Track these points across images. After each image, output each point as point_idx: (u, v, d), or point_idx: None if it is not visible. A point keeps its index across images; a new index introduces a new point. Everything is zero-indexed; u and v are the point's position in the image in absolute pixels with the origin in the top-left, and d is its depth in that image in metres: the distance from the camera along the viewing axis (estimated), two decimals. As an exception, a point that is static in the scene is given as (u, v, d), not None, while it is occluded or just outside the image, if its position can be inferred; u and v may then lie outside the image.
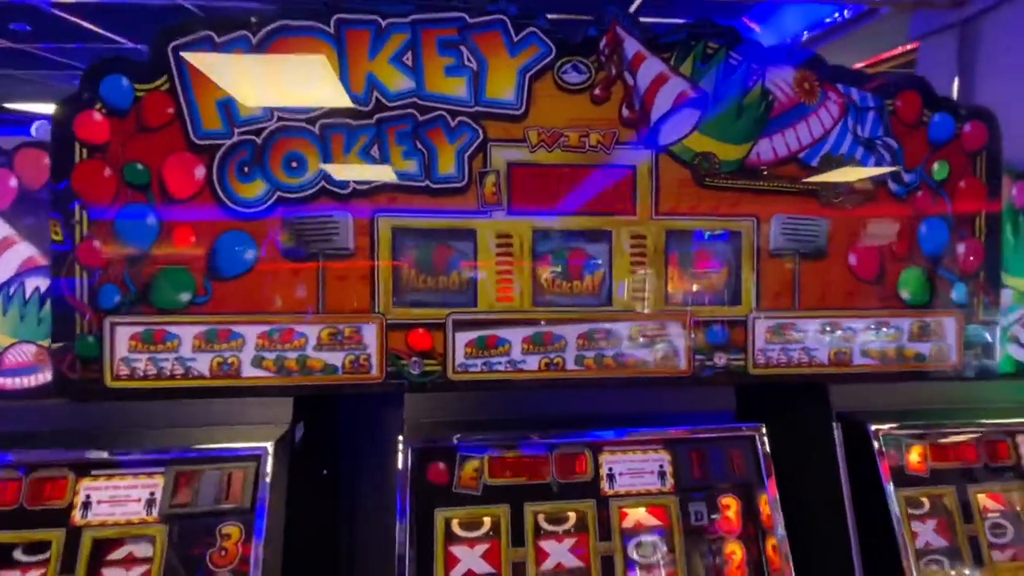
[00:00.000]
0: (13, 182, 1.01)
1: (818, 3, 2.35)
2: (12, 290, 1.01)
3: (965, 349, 1.19)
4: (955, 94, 1.70)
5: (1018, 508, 1.07)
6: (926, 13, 1.80)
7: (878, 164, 1.15)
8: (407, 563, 0.89)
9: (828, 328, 1.14)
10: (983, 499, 1.07)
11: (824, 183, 1.13)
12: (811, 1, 2.34)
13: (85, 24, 3.76)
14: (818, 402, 1.12)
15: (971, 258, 1.18)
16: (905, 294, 1.16)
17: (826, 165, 1.13)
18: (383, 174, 1.02)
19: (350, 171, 1.02)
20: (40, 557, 0.87)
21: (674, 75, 1.08)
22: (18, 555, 0.88)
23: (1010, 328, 1.24)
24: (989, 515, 1.06)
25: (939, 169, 1.17)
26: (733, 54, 1.10)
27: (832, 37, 2.49)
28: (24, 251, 1.01)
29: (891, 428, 1.05)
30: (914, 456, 1.07)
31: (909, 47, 2.29)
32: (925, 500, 1.06)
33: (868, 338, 1.15)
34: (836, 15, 2.31)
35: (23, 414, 0.98)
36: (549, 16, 1.04)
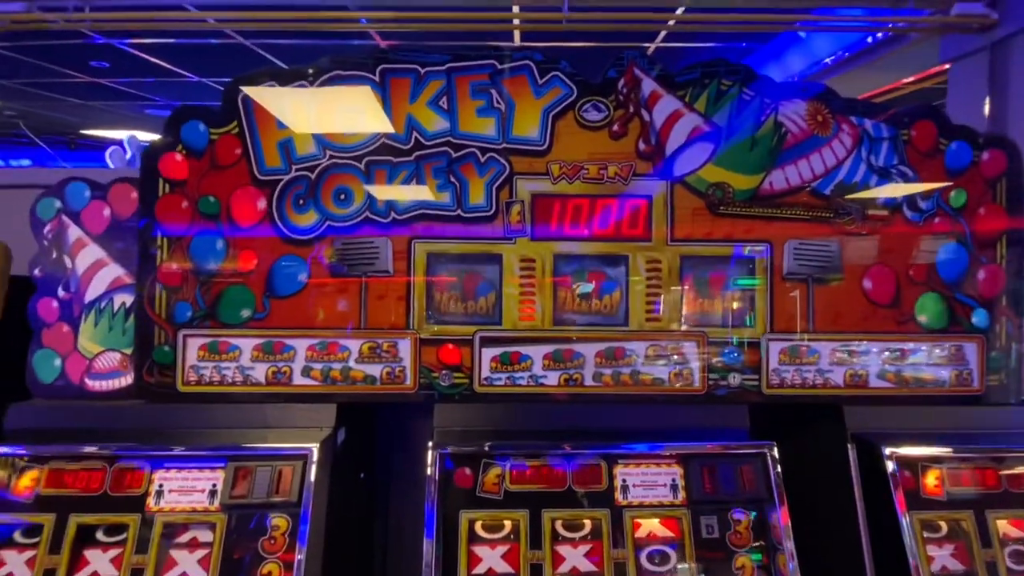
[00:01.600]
0: (107, 212, 1.18)
1: (846, 31, 2.36)
2: (103, 305, 1.17)
3: (988, 374, 1.19)
4: (986, 116, 1.69)
5: (1042, 537, 1.06)
6: (957, 36, 1.80)
7: (893, 192, 1.18)
8: (433, 560, 0.98)
9: (843, 350, 1.17)
10: (1003, 525, 1.07)
11: (838, 210, 1.17)
12: (838, 30, 2.35)
13: (155, 60, 4.15)
14: (833, 423, 1.15)
15: (992, 283, 1.19)
16: (923, 319, 1.18)
17: (840, 193, 1.18)
18: (420, 204, 1.14)
19: (394, 198, 1.13)
20: (118, 538, 1.01)
21: (689, 111, 1.16)
22: (100, 535, 1.01)
23: (1037, 354, 1.23)
24: (1010, 541, 1.06)
25: (956, 196, 1.19)
26: (746, 90, 1.17)
27: (863, 60, 2.49)
28: (114, 271, 1.17)
29: (906, 450, 1.07)
30: (931, 479, 1.08)
31: (940, 69, 2.27)
32: (943, 524, 1.07)
33: (884, 361, 1.17)
34: (868, 39, 2.32)
35: (108, 412, 1.12)
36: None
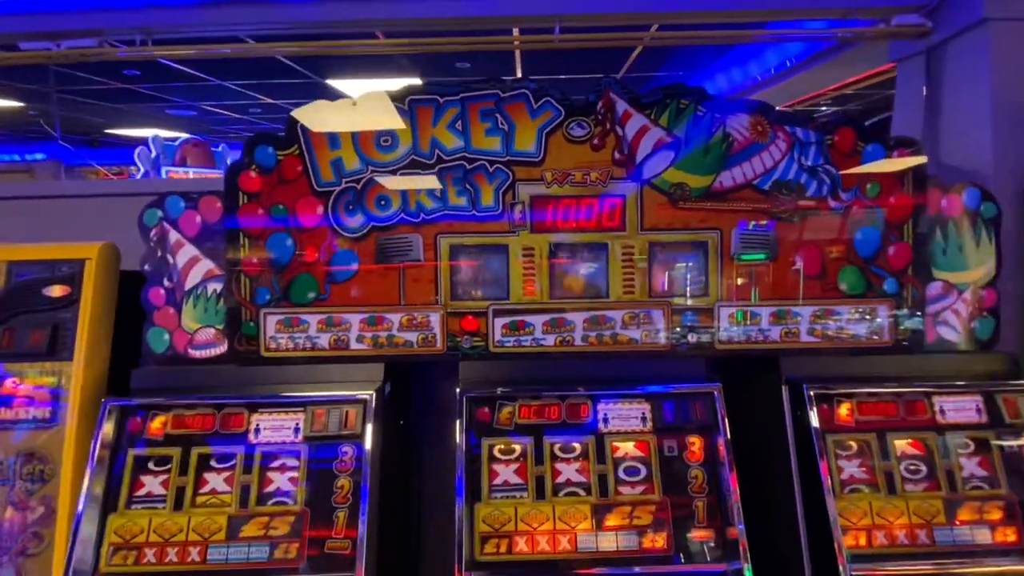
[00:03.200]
0: (198, 219, 1.50)
1: (792, 41, 2.60)
2: (199, 291, 1.50)
3: (896, 330, 1.49)
4: (922, 114, 1.96)
5: (930, 452, 1.37)
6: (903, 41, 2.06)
7: (820, 187, 1.48)
8: (463, 476, 1.31)
9: (779, 313, 1.48)
10: (901, 444, 1.39)
11: (775, 202, 1.47)
12: (794, 41, 2.59)
13: (183, 68, 4.45)
14: (771, 371, 1.46)
15: (900, 258, 1.49)
16: (843, 287, 1.48)
17: (776, 188, 1.47)
18: (443, 206, 1.45)
19: (423, 202, 1.45)
20: (228, 464, 1.35)
21: (654, 126, 1.45)
22: (213, 463, 1.36)
23: (940, 313, 1.54)
24: (905, 457, 1.38)
25: (871, 188, 1.48)
26: (700, 108, 1.46)
27: (819, 61, 2.73)
28: (206, 265, 1.49)
29: (822, 388, 1.38)
30: (843, 410, 1.40)
31: (888, 67, 2.52)
32: (853, 443, 1.39)
33: (813, 321, 1.48)
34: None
35: (210, 373, 1.46)
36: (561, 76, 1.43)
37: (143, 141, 5.84)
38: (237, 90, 5.21)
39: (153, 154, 5.61)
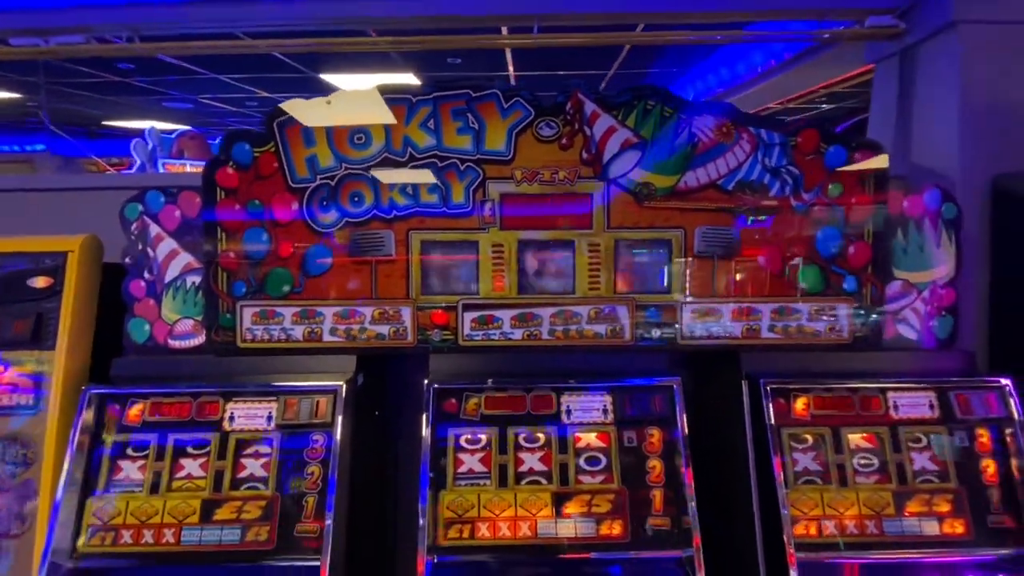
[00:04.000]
0: (177, 213, 1.54)
1: (779, 42, 2.63)
2: (178, 284, 1.54)
3: (855, 328, 1.54)
4: (895, 115, 1.99)
5: (882, 446, 1.42)
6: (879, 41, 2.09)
7: (782, 187, 1.51)
8: (428, 464, 1.36)
9: (740, 310, 1.52)
10: (854, 438, 1.43)
11: (738, 202, 1.50)
12: (773, 41, 2.62)
13: (176, 61, 4.48)
14: (732, 366, 1.51)
15: (860, 257, 1.53)
16: (804, 285, 1.52)
17: (740, 189, 1.51)
18: (415, 203, 1.49)
19: (395, 198, 1.49)
20: (203, 451, 1.40)
21: (621, 127, 1.49)
22: (190, 449, 1.41)
23: (900, 312, 1.58)
24: (858, 451, 1.42)
25: (833, 188, 1.52)
26: (667, 108, 1.49)
27: (806, 59, 2.76)
28: (185, 258, 1.54)
29: (779, 383, 1.43)
30: (799, 404, 1.44)
31: (866, 68, 2.54)
32: (808, 436, 1.43)
33: (773, 318, 1.52)
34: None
35: (185, 363, 1.51)
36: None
37: (140, 133, 5.88)
38: (233, 84, 5.24)
39: (149, 146, 5.65)
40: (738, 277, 1.51)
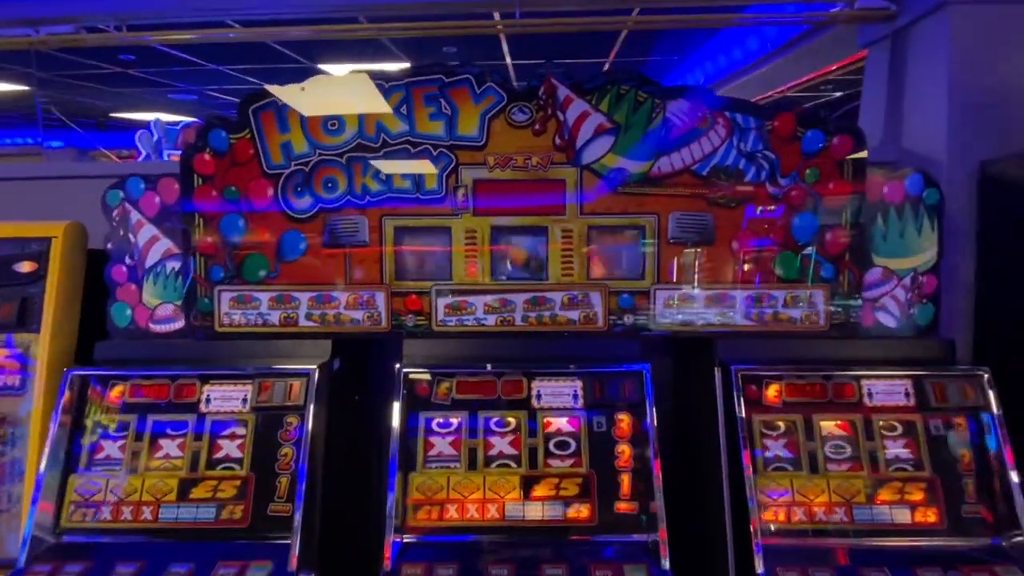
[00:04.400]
0: (157, 199, 1.57)
1: (773, 25, 2.57)
2: (159, 269, 1.57)
3: (832, 315, 1.52)
4: (885, 99, 1.95)
5: (856, 434, 1.41)
6: (869, 25, 2.04)
7: (758, 172, 1.50)
8: (398, 447, 1.38)
9: (715, 297, 1.51)
10: (827, 425, 1.42)
11: (712, 188, 1.49)
12: (767, 25, 2.57)
13: (177, 53, 4.52)
14: (707, 353, 1.50)
15: (837, 244, 1.51)
16: (780, 272, 1.51)
17: (715, 174, 1.49)
18: (388, 189, 1.50)
19: (369, 184, 1.50)
20: (181, 432, 1.43)
21: (594, 112, 1.48)
22: (168, 430, 1.44)
23: (879, 299, 1.56)
24: (831, 438, 1.41)
25: (810, 174, 1.50)
26: (640, 93, 1.48)
27: (795, 47, 2.70)
28: (165, 244, 1.56)
29: (751, 369, 1.42)
30: (771, 392, 1.43)
31: (863, 55, 2.49)
32: (780, 424, 1.42)
33: (749, 305, 1.51)
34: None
35: (166, 347, 1.54)
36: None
37: (147, 125, 5.94)
38: (236, 75, 5.27)
39: (155, 138, 5.72)
40: (713, 263, 1.50)
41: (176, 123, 5.99)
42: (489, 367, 1.45)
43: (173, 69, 5.11)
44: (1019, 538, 1.29)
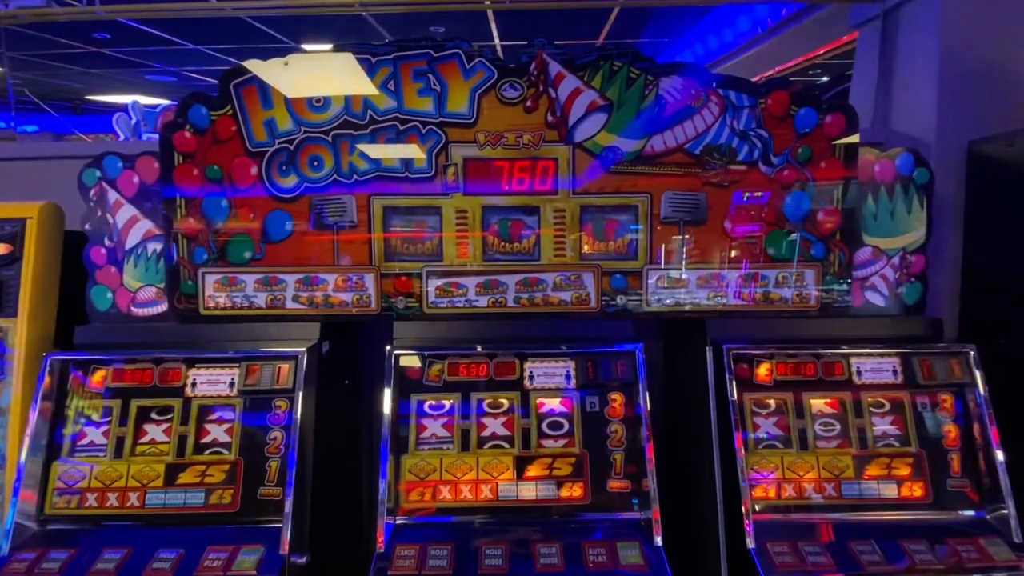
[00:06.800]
0: (136, 179, 1.52)
1: (755, 3, 2.55)
2: (139, 251, 1.52)
3: (823, 294, 1.53)
4: (876, 79, 1.95)
5: (845, 411, 1.42)
6: (861, 5, 2.03)
7: (751, 151, 1.48)
8: (390, 429, 1.36)
9: (707, 277, 1.51)
10: (817, 403, 1.43)
11: (705, 166, 1.48)
12: (748, 3, 2.54)
13: (154, 31, 4.36)
14: (698, 333, 1.50)
15: (829, 223, 1.51)
16: (771, 251, 1.51)
17: (707, 153, 1.48)
18: (376, 168, 1.47)
19: (356, 163, 1.46)
20: (166, 417, 1.40)
21: (587, 88, 1.45)
22: (153, 415, 1.41)
23: (869, 279, 1.57)
24: (820, 416, 1.43)
25: (803, 152, 1.49)
26: (633, 69, 1.45)
27: (782, 30, 2.68)
28: (146, 225, 1.52)
29: (742, 348, 1.42)
30: (762, 370, 1.44)
31: (853, 37, 2.48)
32: (771, 402, 1.44)
33: (740, 285, 1.51)
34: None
35: (149, 331, 1.50)
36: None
37: (124, 108, 5.76)
38: (215, 55, 5.11)
39: (133, 121, 5.55)
40: (705, 243, 1.50)
41: (155, 106, 5.81)
42: (480, 348, 1.44)
43: (150, 49, 4.93)
44: (1003, 511, 1.32)
